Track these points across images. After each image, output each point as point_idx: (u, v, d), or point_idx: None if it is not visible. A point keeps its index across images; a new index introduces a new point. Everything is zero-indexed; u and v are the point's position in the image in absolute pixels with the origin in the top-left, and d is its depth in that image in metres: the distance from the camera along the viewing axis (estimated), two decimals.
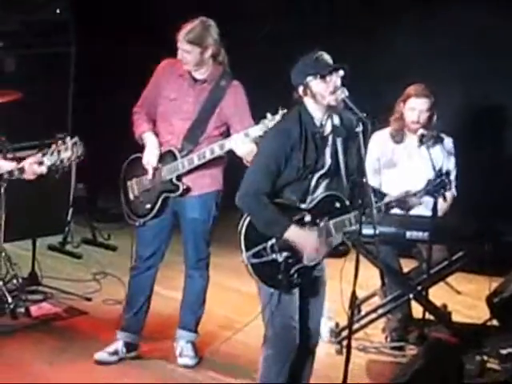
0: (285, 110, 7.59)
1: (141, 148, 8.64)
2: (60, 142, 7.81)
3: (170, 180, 8.43)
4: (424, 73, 9.46)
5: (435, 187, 7.48)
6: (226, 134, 8.37)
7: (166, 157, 8.45)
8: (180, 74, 8.48)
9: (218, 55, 8.44)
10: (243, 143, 8.06)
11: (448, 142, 9.27)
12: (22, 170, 7.83)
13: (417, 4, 10.95)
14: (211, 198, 8.28)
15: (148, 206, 8.58)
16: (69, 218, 11.07)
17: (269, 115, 7.91)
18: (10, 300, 9.40)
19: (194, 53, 8.33)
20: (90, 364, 8.67)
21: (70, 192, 11.04)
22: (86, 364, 8.66)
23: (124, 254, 10.38)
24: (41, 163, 7.76)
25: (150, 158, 8.48)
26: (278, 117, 7.77)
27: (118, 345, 8.80)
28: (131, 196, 8.73)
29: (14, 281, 9.72)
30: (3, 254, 9.69)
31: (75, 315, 9.63)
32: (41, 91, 10.45)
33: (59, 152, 7.75)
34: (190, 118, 8.46)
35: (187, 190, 8.45)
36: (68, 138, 7.80)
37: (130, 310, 8.87)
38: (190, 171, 8.41)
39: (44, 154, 7.80)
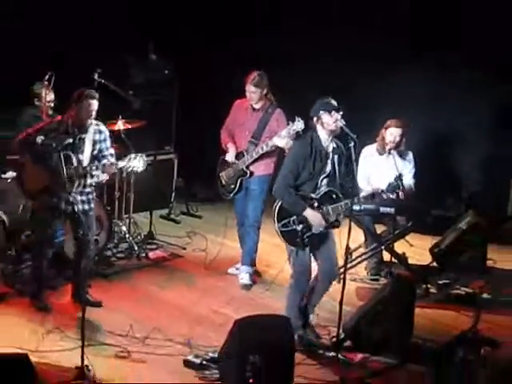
0: (299, 118, 8.23)
1: (223, 153, 9.13)
2: (133, 155, 7.79)
3: (242, 169, 8.86)
4: (398, 112, 9.24)
5: (391, 188, 7.84)
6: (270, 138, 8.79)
7: (239, 155, 9.02)
8: (245, 107, 9.04)
9: (267, 93, 8.85)
10: (281, 140, 8.41)
11: (410, 154, 9.27)
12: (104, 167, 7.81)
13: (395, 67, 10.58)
14: (265, 179, 8.72)
15: (232, 186, 9.11)
16: (172, 198, 11.03)
17: (290, 123, 8.43)
18: (136, 248, 9.63)
19: (256, 93, 8.81)
20: (184, 287, 8.86)
21: (173, 182, 11.00)
22: (181, 287, 8.88)
23: (206, 221, 11.00)
24: (114, 164, 7.81)
25: (231, 157, 8.90)
26: (296, 123, 8.32)
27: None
28: (223, 182, 9.19)
29: (139, 237, 9.95)
30: (132, 220, 9.94)
31: (175, 258, 9.78)
32: (155, 120, 10.44)
33: (130, 160, 7.72)
34: (251, 132, 8.92)
35: (251, 173, 8.95)
36: (139, 155, 7.80)
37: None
38: (252, 162, 8.86)
39: (119, 159, 7.86)
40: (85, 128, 7.78)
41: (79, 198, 7.83)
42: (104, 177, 7.95)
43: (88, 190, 7.91)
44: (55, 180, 7.61)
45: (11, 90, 9.13)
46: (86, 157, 7.77)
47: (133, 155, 7.77)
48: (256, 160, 8.86)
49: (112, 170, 7.93)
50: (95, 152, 7.87)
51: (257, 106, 8.91)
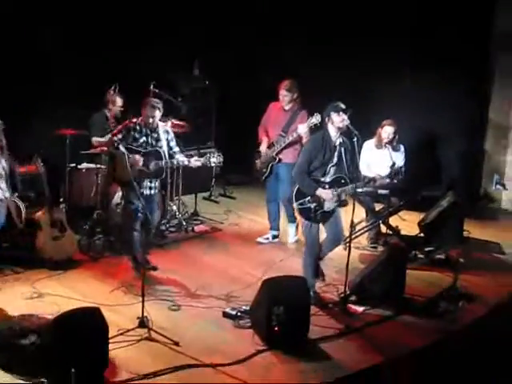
0: (317, 114, 8.25)
1: (258, 145, 9.17)
2: (212, 153, 7.80)
3: (272, 156, 8.92)
4: (391, 113, 9.19)
5: (389, 175, 7.76)
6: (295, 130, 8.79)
7: (270, 146, 9.04)
8: (278, 108, 9.04)
9: (297, 98, 8.89)
10: (302, 129, 8.53)
11: (402, 147, 9.18)
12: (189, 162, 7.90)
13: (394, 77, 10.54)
14: (291, 166, 8.10)
15: (264, 170, 9.12)
16: (212, 183, 10.99)
17: (310, 117, 8.48)
18: (184, 223, 9.57)
19: (288, 96, 8.85)
20: (222, 254, 8.84)
21: (213, 170, 10.90)
22: (220, 254, 8.85)
23: (239, 201, 10.95)
24: (198, 160, 7.85)
25: (264, 148, 9.00)
26: (314, 117, 8.38)
27: (269, 235, 9.31)
28: (257, 167, 9.20)
29: (186, 214, 9.90)
30: (181, 201, 9.90)
31: (215, 231, 9.70)
32: (199, 121, 10.46)
33: (210, 158, 7.73)
34: (281, 127, 8.94)
35: (280, 160, 8.92)
36: (216, 153, 7.82)
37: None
38: (280, 151, 8.90)
39: (201, 156, 7.93)
40: (153, 128, 7.78)
41: (148, 184, 7.83)
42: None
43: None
44: (140, 172, 7.66)
45: (87, 96, 9.08)
46: (166, 152, 7.81)
47: (212, 153, 7.78)
48: (284, 149, 8.86)
49: (195, 164, 7.91)
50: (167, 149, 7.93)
51: (287, 108, 8.94)
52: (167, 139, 7.90)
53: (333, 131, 7.35)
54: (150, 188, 7.84)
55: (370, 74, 10.44)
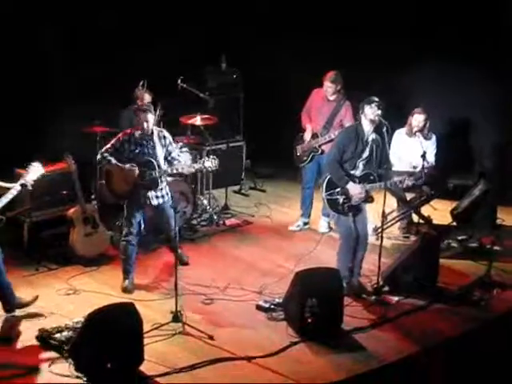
0: None
1: (301, 131, 9.13)
2: (206, 157, 7.67)
3: (315, 146, 8.98)
4: (421, 101, 9.12)
5: (416, 177, 7.70)
6: (340, 125, 8.81)
7: (314, 136, 9.03)
8: (322, 97, 9.01)
9: (340, 89, 8.86)
10: None
11: (434, 136, 9.07)
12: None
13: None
14: None
15: (305, 158, 9.15)
16: (242, 176, 10.88)
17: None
18: (215, 217, 9.46)
19: (332, 87, 8.80)
20: (254, 247, 8.80)
21: (243, 164, 10.90)
22: (252, 247, 8.81)
23: (269, 194, 10.79)
24: (191, 166, 7.64)
25: (307, 136, 9.01)
26: None
27: (300, 222, 9.35)
28: (298, 153, 9.21)
29: (217, 208, 9.82)
30: (211, 195, 9.88)
31: (247, 224, 9.58)
32: (227, 115, 10.42)
33: (204, 162, 7.53)
34: (325, 118, 8.94)
35: (322, 152, 8.91)
36: (211, 156, 7.59)
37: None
38: (323, 143, 8.92)
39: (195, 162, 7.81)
40: (148, 136, 7.42)
41: (154, 194, 7.48)
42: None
43: (161, 186, 7.53)
44: (138, 183, 7.39)
45: (116, 92, 9.09)
46: (161, 161, 7.45)
47: (206, 157, 7.63)
48: (327, 142, 8.84)
49: (189, 171, 7.79)
50: (164, 156, 7.57)
51: (331, 98, 8.92)
52: (165, 145, 7.55)
53: (366, 124, 7.33)
54: (157, 197, 7.52)
55: (397, 63, 10.31)
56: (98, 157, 7.48)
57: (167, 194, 7.61)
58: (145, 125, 7.35)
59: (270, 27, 10.99)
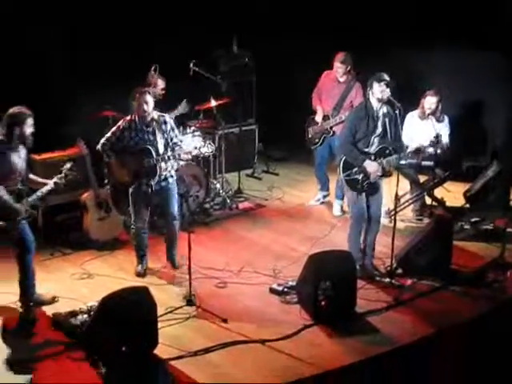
0: None
1: (313, 113, 9.22)
2: (202, 143, 7.41)
3: (327, 128, 9.05)
4: (434, 83, 9.08)
5: (431, 144, 7.59)
6: (351, 106, 8.77)
7: (325, 117, 9.12)
8: (331, 78, 9.10)
9: (350, 70, 8.91)
10: None
11: (446, 118, 9.01)
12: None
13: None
14: None
15: (317, 140, 9.27)
16: (255, 160, 10.90)
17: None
18: (228, 201, 9.52)
19: (342, 68, 8.87)
20: (267, 230, 8.80)
21: (255, 147, 10.93)
22: (265, 230, 8.82)
23: (282, 177, 10.81)
24: (188, 153, 7.38)
25: (319, 118, 9.09)
26: None
27: (319, 195, 9.57)
28: (310, 135, 9.31)
29: (230, 192, 9.84)
30: (224, 178, 9.90)
31: (260, 208, 9.61)
32: (239, 98, 10.36)
33: (200, 148, 7.35)
34: (335, 100, 9.01)
35: (333, 133, 9.00)
36: (207, 141, 7.47)
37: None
38: (335, 125, 8.97)
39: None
40: (149, 122, 7.28)
41: (156, 179, 7.31)
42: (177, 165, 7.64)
43: (160, 172, 7.34)
44: (138, 171, 7.26)
45: (128, 77, 8.98)
46: (160, 147, 7.27)
47: (202, 143, 7.42)
48: (338, 123, 8.87)
49: (187, 157, 7.58)
50: (166, 142, 7.39)
51: (341, 80, 8.99)
52: (166, 131, 7.36)
53: (374, 101, 7.28)
54: (159, 182, 7.33)
55: (407, 44, 10.29)
56: (98, 147, 7.38)
57: (171, 176, 7.47)
58: (144, 106, 7.18)
59: (283, 8, 10.99)
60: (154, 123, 7.32)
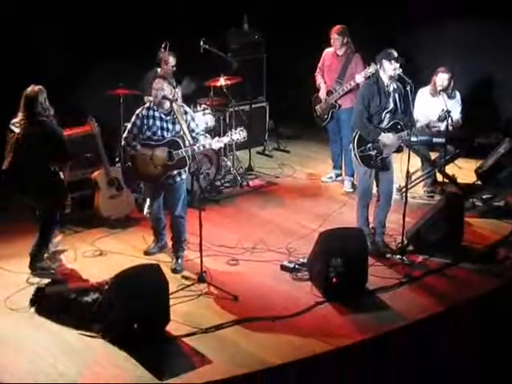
0: (373, 63, 7.92)
1: (317, 91, 9.29)
2: (234, 130, 7.16)
3: (332, 103, 9.10)
4: (446, 59, 9.04)
5: (440, 118, 7.47)
6: (352, 77, 8.88)
7: (329, 93, 9.17)
8: (331, 53, 9.13)
9: (347, 41, 8.93)
10: (360, 78, 8.54)
11: (458, 94, 8.97)
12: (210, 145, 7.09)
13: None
14: (351, 110, 7.96)
15: (326, 116, 9.27)
16: (265, 137, 10.84)
17: (367, 66, 8.44)
18: (239, 178, 9.51)
19: (339, 39, 8.93)
20: (278, 208, 8.78)
21: (266, 125, 10.90)
22: (276, 208, 8.78)
23: (293, 154, 10.78)
24: (220, 141, 7.12)
25: (323, 94, 9.16)
26: (371, 67, 8.19)
27: (332, 174, 9.58)
28: (318, 113, 9.34)
29: (241, 169, 9.80)
30: (235, 156, 9.84)
31: (271, 185, 9.58)
32: (249, 76, 10.26)
33: (232, 135, 7.06)
34: (337, 73, 9.08)
35: (339, 106, 9.07)
36: (239, 128, 7.14)
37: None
38: (340, 97, 9.02)
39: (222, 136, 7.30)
40: (168, 110, 6.99)
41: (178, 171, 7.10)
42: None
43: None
44: (168, 165, 6.98)
45: (139, 54, 9.01)
46: (188, 136, 6.93)
47: (233, 130, 7.18)
48: (343, 96, 8.96)
49: (218, 146, 7.27)
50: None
51: (339, 53, 9.05)
52: (186, 120, 7.05)
53: (385, 78, 7.26)
54: (175, 175, 7.08)
55: (418, 20, 10.23)
56: (123, 142, 7.15)
57: (185, 171, 7.17)
58: (159, 93, 6.91)
59: None
60: (175, 112, 6.97)
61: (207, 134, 7.32)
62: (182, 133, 6.96)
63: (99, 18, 9.27)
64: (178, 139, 6.99)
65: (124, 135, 7.18)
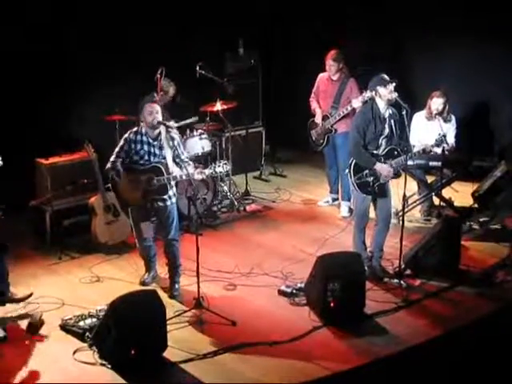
0: (368, 91, 7.70)
1: (312, 116, 9.32)
2: (217, 162, 7.05)
3: (328, 128, 9.16)
4: (441, 83, 9.10)
5: (436, 143, 7.57)
6: (348, 102, 8.92)
7: (325, 118, 9.23)
8: (326, 78, 9.19)
9: (342, 67, 9.01)
10: (357, 103, 8.54)
11: (453, 118, 9.03)
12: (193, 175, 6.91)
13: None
14: (346, 134, 8.19)
15: (321, 141, 9.36)
16: (262, 162, 10.93)
17: (364, 91, 8.27)
18: (235, 203, 9.57)
19: (335, 65, 8.97)
20: (275, 232, 8.81)
21: (262, 149, 10.97)
22: (273, 232, 8.83)
23: (289, 179, 10.84)
24: (202, 173, 6.98)
25: (318, 119, 9.19)
26: (367, 93, 7.92)
27: (328, 198, 9.68)
28: (313, 138, 9.38)
29: (237, 194, 9.88)
30: (232, 181, 9.88)
31: (268, 210, 9.63)
32: (245, 101, 10.36)
33: (215, 168, 6.98)
34: (332, 98, 9.14)
35: (335, 131, 9.15)
36: (222, 162, 7.08)
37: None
38: (335, 122, 9.08)
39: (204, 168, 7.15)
40: (156, 135, 7.00)
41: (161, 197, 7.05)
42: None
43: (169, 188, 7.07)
44: (148, 191, 6.96)
45: (136, 80, 9.04)
46: (170, 163, 7.00)
47: (216, 163, 7.07)
48: (338, 120, 9.00)
49: (200, 177, 7.08)
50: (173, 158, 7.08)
51: (334, 78, 9.12)
52: (173, 146, 7.03)
53: (381, 104, 7.27)
54: (164, 200, 7.06)
55: (413, 44, 10.35)
56: (109, 165, 7.05)
57: (174, 195, 7.18)
58: (150, 118, 6.91)
59: (288, 11, 11.02)
60: (162, 138, 7.02)
61: (191, 162, 7.20)
62: (164, 159, 7.00)
63: (97, 42, 9.32)
64: (160, 166, 6.98)
65: (111, 159, 7.07)
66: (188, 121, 9.19)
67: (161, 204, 7.10)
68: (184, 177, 7.01)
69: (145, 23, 9.71)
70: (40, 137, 8.45)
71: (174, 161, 7.09)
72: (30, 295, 6.92)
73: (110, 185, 7.29)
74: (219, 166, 7.05)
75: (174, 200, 7.19)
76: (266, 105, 11.15)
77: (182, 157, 7.13)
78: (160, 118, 7.02)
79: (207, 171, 7.05)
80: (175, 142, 7.09)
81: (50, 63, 9.13)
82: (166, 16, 9.99)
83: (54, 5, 9.08)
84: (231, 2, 10.66)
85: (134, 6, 9.62)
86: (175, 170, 7.04)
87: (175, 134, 7.26)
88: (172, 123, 7.53)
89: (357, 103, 8.60)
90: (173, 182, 7.06)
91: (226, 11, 10.63)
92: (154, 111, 6.96)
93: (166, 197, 7.07)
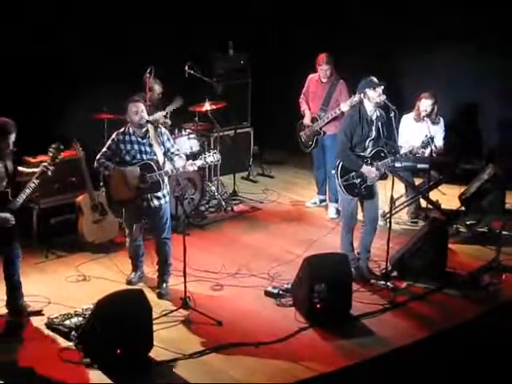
0: (356, 94, 7.61)
1: (301, 117, 9.34)
2: (208, 153, 7.09)
3: (317, 130, 9.17)
4: (430, 85, 9.12)
5: (423, 144, 7.57)
6: (337, 104, 8.96)
7: (314, 119, 9.23)
8: (316, 80, 9.24)
9: (332, 69, 9.00)
10: (346, 107, 8.49)
11: (442, 120, 9.04)
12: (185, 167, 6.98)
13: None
14: (335, 136, 8.19)
15: (310, 143, 9.36)
16: (250, 163, 10.91)
17: (353, 95, 8.23)
18: (223, 203, 9.56)
19: (329, 69, 9.00)
20: (262, 233, 8.81)
21: (251, 150, 10.99)
22: (260, 233, 8.84)
23: (277, 181, 10.82)
24: (193, 164, 7.00)
25: (308, 120, 9.19)
26: (355, 97, 7.81)
27: (316, 199, 9.68)
28: (303, 139, 9.39)
29: (225, 194, 9.86)
30: (219, 181, 9.89)
31: (255, 210, 9.64)
32: (234, 101, 10.38)
33: (205, 158, 7.00)
34: (321, 100, 9.15)
35: (324, 133, 9.15)
36: (212, 151, 7.16)
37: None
38: (324, 124, 9.09)
39: (195, 159, 7.19)
40: (144, 133, 6.98)
41: (155, 195, 7.03)
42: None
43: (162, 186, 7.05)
44: (141, 188, 6.95)
45: (124, 79, 9.02)
46: (161, 159, 6.96)
47: (207, 153, 7.09)
48: (327, 123, 9.04)
49: (192, 168, 7.10)
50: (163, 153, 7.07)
51: (324, 80, 9.13)
52: (162, 142, 7.05)
53: (369, 106, 7.28)
54: (158, 198, 7.04)
55: (403, 46, 10.37)
56: (95, 164, 7.04)
57: (168, 193, 7.18)
58: (137, 118, 6.89)
59: (282, 12, 11.05)
60: (150, 135, 7.00)
61: (182, 155, 7.25)
62: (155, 156, 6.99)
63: (86, 41, 9.32)
64: (151, 162, 6.96)
65: (97, 157, 7.04)
66: (173, 105, 9.06)
67: (156, 203, 7.08)
68: (175, 171, 7.04)
69: (134, 22, 9.71)
70: (28, 135, 8.40)
71: (165, 155, 7.08)
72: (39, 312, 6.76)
73: (102, 183, 7.31)
74: (209, 155, 7.05)
75: (167, 199, 7.18)
76: (254, 105, 11.15)
77: (173, 150, 7.15)
78: (146, 116, 7.01)
79: (198, 162, 7.05)
80: (165, 137, 7.10)
81: (49, 63, 9.14)
82: (163, 16, 10.06)
83: (54, 5, 9.13)
84: (226, 3, 10.68)
85: (133, 6, 9.68)
86: (167, 166, 7.03)
87: (163, 129, 7.22)
88: (160, 113, 7.60)
89: (345, 107, 8.58)
90: (166, 180, 7.07)
91: (221, 11, 10.65)
92: (139, 110, 6.94)
93: (160, 195, 7.06)
